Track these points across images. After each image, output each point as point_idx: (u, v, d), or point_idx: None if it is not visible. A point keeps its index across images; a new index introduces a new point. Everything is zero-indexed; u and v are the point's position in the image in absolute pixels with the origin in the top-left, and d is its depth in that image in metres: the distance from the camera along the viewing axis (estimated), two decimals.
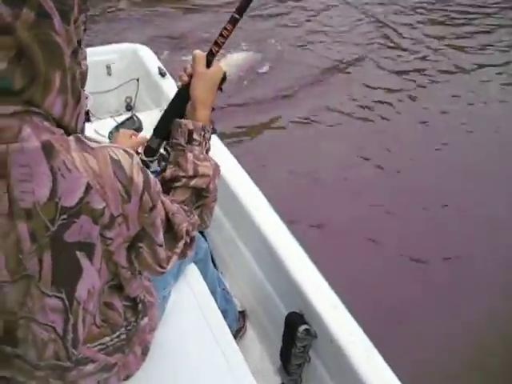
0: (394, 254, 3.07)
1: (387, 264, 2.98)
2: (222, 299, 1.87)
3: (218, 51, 1.25)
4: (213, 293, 1.78)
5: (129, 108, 3.19)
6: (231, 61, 5.03)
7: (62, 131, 0.83)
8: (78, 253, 0.84)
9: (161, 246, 0.99)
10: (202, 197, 1.17)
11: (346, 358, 1.47)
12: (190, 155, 1.16)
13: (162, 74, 2.80)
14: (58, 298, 0.87)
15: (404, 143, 4.05)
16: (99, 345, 1.06)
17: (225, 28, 1.22)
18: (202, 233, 2.38)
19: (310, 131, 4.22)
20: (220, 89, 2.28)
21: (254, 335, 2.05)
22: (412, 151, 3.96)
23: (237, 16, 1.21)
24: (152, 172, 0.99)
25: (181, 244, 1.07)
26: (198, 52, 1.25)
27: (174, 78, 2.85)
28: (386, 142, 4.05)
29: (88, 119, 2.82)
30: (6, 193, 0.77)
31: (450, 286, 2.87)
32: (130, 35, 5.11)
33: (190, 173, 1.14)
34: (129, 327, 1.13)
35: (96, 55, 2.95)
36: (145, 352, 1.28)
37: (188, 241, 1.11)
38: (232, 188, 2.02)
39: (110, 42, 3.32)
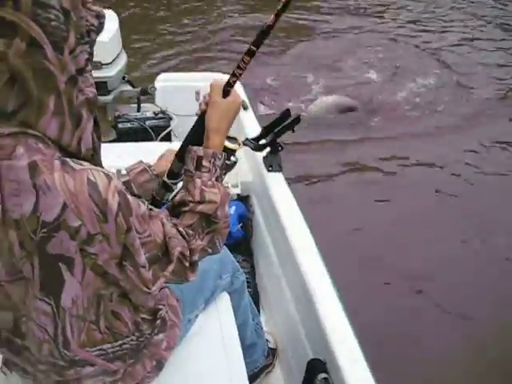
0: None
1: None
2: (253, 333, 1.91)
3: (235, 81, 1.29)
4: (244, 324, 1.83)
5: None
6: (322, 103, 5.13)
7: (54, 153, 0.91)
8: (60, 264, 0.93)
9: (143, 267, 1.04)
10: (211, 222, 1.21)
11: None
12: (198, 181, 1.21)
13: (245, 107, 2.91)
14: (48, 303, 0.97)
15: None
16: (99, 350, 1.12)
17: (242, 60, 1.27)
18: (251, 267, 2.46)
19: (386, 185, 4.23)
20: (292, 129, 2.37)
21: (280, 374, 2.08)
22: None
23: (253, 48, 1.27)
24: None
25: (171, 268, 1.11)
26: (215, 82, 1.31)
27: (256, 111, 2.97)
28: None
29: (169, 139, 2.99)
30: (0, 203, 0.88)
31: None
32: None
33: (197, 198, 1.19)
34: (141, 338, 1.21)
35: (187, 81, 3.13)
36: (159, 367, 1.34)
37: (187, 265, 1.16)
38: (286, 227, 2.07)
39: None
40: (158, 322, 1.26)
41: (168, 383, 1.37)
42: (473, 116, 5.07)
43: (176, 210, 1.22)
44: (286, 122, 2.28)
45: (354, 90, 5.46)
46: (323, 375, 1.64)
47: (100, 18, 1.08)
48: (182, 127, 3.08)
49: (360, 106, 5.16)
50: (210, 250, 1.24)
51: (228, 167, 1.35)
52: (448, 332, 2.90)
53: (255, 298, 2.35)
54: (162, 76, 3.30)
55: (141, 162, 1.62)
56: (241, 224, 2.41)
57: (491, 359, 2.79)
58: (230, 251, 2.28)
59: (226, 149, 1.33)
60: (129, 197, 0.98)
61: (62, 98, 0.91)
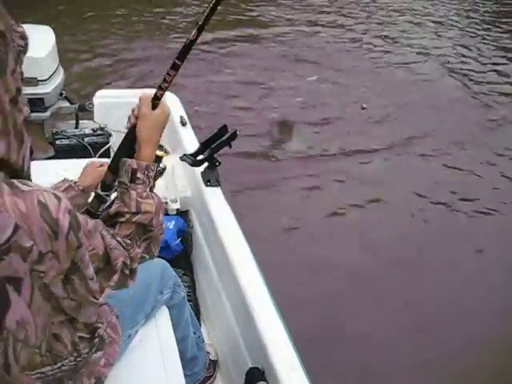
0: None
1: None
2: (194, 346, 1.94)
3: (162, 94, 1.36)
4: (185, 338, 1.86)
5: None
6: None
7: (1, 174, 0.93)
8: (7, 286, 0.92)
9: (91, 279, 1.06)
10: (147, 231, 1.28)
11: None
12: (133, 193, 1.26)
13: (183, 123, 2.95)
14: None
15: None
16: (38, 373, 1.11)
17: (167, 73, 1.34)
18: (191, 281, 2.49)
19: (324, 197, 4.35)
20: (229, 145, 2.42)
21: None
22: None
23: (178, 62, 1.34)
24: None
25: (115, 278, 1.16)
26: (143, 95, 1.37)
27: (194, 128, 3.02)
28: None
29: (108, 155, 2.99)
30: None
31: None
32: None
33: (133, 209, 1.25)
34: (79, 358, 1.20)
35: (126, 97, 3.13)
36: None
37: (128, 272, 1.21)
38: (224, 241, 2.12)
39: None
40: (96, 340, 1.26)
41: None
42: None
43: (111, 221, 1.26)
44: (223, 138, 2.33)
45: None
46: (262, 383, 1.69)
47: (24, 38, 1.07)
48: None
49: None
50: (147, 256, 1.30)
51: (157, 174, 1.39)
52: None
53: (196, 310, 2.39)
54: (101, 92, 3.30)
55: (64, 180, 1.65)
56: (180, 239, 2.44)
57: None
58: (170, 266, 2.31)
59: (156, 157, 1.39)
60: (78, 214, 1.00)
61: (7, 120, 0.93)
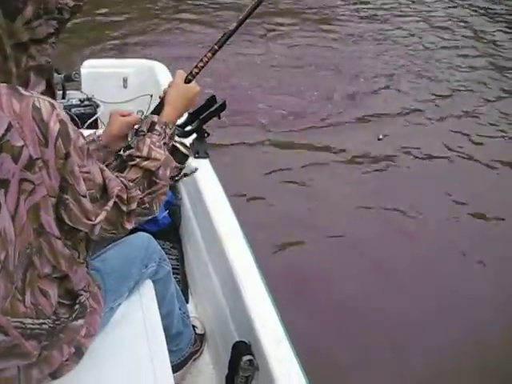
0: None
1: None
2: (180, 322, 1.92)
3: (197, 73, 1.55)
4: (170, 313, 1.84)
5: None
6: None
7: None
8: None
9: (84, 196, 1.08)
10: (152, 182, 1.31)
11: None
12: (147, 140, 1.33)
13: None
14: None
15: None
16: (19, 322, 1.11)
17: (205, 55, 1.55)
18: (179, 254, 2.47)
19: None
20: (218, 116, 2.38)
21: (209, 359, 2.10)
22: None
23: (216, 47, 1.55)
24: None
25: (111, 203, 1.16)
26: (180, 70, 1.55)
27: None
28: None
29: (96, 127, 2.94)
30: None
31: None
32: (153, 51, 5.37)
33: (144, 154, 1.30)
34: (57, 322, 1.20)
35: (114, 67, 3.08)
36: (78, 355, 1.34)
37: (125, 210, 1.21)
38: (212, 213, 2.09)
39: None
40: (77, 306, 1.26)
41: (88, 372, 1.37)
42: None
43: (123, 165, 1.32)
44: (212, 109, 2.28)
45: None
46: (248, 357, 1.67)
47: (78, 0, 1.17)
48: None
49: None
50: (146, 211, 1.31)
51: (173, 136, 1.48)
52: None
53: (184, 284, 2.36)
54: (88, 62, 3.24)
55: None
56: (167, 211, 2.40)
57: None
58: (159, 238, 2.28)
59: (179, 152, 1.73)
60: (70, 126, 1.03)
61: (8, 60, 1.00)
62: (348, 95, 5.47)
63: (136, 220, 1.27)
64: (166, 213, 2.39)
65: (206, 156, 2.36)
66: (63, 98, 3.12)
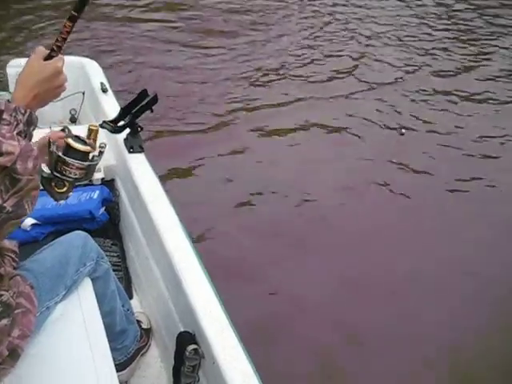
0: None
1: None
2: (124, 319, 1.91)
3: (59, 47, 1.31)
4: (112, 311, 1.82)
5: (73, 120, 3.24)
6: None
7: None
8: None
9: None
10: (14, 179, 1.12)
11: (225, 380, 1.51)
12: None
13: (104, 90, 2.86)
14: None
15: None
16: None
17: (64, 25, 1.30)
18: (121, 250, 2.44)
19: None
20: (151, 109, 2.36)
21: (156, 352, 2.10)
22: None
23: (75, 14, 1.30)
24: None
25: None
26: (40, 47, 1.32)
27: (116, 94, 2.92)
28: None
29: None
30: None
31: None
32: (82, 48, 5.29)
33: None
34: None
35: None
36: (13, 357, 1.31)
37: None
38: (150, 208, 2.08)
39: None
40: None
41: (27, 375, 1.34)
42: None
43: None
44: (144, 102, 2.27)
45: None
46: (193, 346, 1.68)
47: None
48: (42, 114, 2.97)
49: None
50: (15, 214, 1.15)
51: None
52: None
53: (127, 280, 2.35)
54: (15, 61, 3.14)
55: None
56: (104, 208, 2.37)
57: None
58: (98, 236, 2.26)
59: (76, 150, 1.35)
60: None
61: None
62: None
63: (6, 230, 1.15)
64: (103, 210, 2.36)
65: (140, 150, 2.34)
66: None
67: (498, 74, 6.20)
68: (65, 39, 1.30)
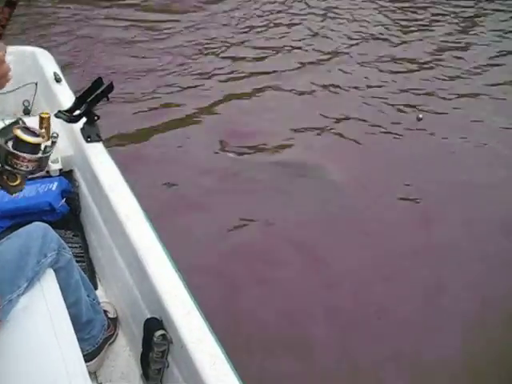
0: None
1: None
2: (90, 309, 1.89)
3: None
4: (77, 302, 1.80)
5: (27, 111, 3.16)
6: None
7: None
8: None
9: None
10: None
11: (194, 363, 1.52)
12: None
13: (58, 80, 2.80)
14: None
15: None
16: None
17: (1, 11, 1.28)
18: (83, 241, 2.42)
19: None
20: (107, 98, 2.33)
21: (125, 341, 2.09)
22: None
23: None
24: None
25: None
26: None
27: (70, 83, 2.87)
28: None
29: None
30: None
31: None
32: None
33: None
34: None
35: None
36: None
37: None
38: (110, 196, 2.06)
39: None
40: None
41: None
42: None
43: None
44: (99, 91, 2.23)
45: None
46: (160, 332, 1.68)
47: None
48: None
49: None
50: None
51: (40, 160, 1.34)
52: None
53: (91, 270, 2.32)
54: None
55: None
56: (64, 199, 2.33)
57: None
58: (58, 228, 2.23)
59: (26, 143, 1.31)
60: None
61: None
62: None
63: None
64: (63, 201, 2.32)
65: (98, 139, 2.31)
66: None
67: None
68: (4, 26, 1.26)
